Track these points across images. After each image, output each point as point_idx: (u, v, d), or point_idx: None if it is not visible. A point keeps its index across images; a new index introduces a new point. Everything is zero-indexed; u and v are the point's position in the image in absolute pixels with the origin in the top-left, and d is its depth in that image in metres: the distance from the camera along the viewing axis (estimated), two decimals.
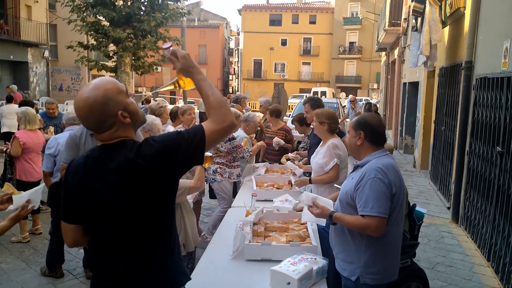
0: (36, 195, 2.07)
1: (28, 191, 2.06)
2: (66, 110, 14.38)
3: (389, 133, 16.10)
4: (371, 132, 2.37)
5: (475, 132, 5.44)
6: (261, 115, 7.01)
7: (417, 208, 3.35)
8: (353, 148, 2.46)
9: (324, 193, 3.54)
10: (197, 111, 4.64)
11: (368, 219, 2.16)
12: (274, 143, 5.51)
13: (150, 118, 4.28)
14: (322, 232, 3.02)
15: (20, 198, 2.02)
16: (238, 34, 53.25)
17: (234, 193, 4.87)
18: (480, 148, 5.16)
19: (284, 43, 43.86)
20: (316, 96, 5.69)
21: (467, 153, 5.75)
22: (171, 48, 1.62)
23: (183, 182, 3.18)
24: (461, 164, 5.89)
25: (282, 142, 5.54)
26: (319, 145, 3.91)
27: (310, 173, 4.02)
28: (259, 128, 6.32)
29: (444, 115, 7.35)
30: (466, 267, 4.57)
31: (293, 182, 4.13)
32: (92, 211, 1.57)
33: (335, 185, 3.48)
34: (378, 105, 17.58)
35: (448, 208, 6.54)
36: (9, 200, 2.01)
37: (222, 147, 4.65)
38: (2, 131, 9.12)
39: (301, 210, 3.11)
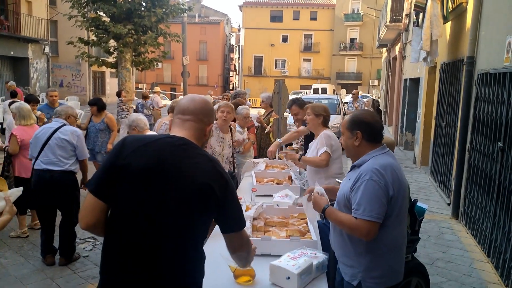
0: (13, 195, 2.04)
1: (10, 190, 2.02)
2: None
3: (390, 130, 16.07)
4: (368, 129, 2.24)
5: (476, 128, 5.41)
6: (262, 111, 6.95)
7: (418, 204, 3.32)
8: (351, 150, 2.31)
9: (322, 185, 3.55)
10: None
11: (359, 222, 2.06)
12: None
13: (133, 115, 4.24)
14: (322, 227, 2.99)
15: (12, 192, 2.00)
16: (239, 30, 53.11)
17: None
18: (481, 144, 5.14)
19: (285, 39, 43.78)
20: (295, 97, 5.71)
21: (468, 149, 5.73)
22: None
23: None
24: (462, 160, 5.87)
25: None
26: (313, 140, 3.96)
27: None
28: (259, 124, 6.30)
29: (445, 111, 7.32)
30: (465, 263, 4.56)
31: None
32: (146, 192, 1.55)
33: (336, 179, 3.47)
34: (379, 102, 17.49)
35: (448, 204, 6.53)
36: None
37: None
38: (4, 126, 9.11)
39: (301, 206, 3.10)
